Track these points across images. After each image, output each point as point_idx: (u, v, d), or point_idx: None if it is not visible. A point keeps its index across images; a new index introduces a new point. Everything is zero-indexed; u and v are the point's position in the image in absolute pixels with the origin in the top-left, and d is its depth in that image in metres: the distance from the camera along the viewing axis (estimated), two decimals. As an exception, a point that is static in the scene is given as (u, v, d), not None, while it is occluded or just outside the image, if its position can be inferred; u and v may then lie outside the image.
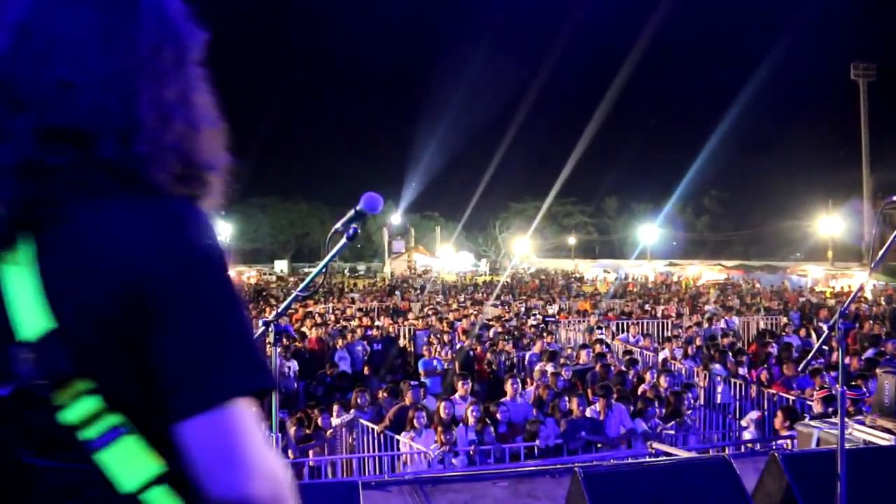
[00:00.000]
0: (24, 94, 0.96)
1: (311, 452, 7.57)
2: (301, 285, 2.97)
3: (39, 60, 0.97)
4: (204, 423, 0.94)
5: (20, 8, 0.99)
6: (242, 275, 43.41)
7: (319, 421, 8.09)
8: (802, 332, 14.49)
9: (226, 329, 0.98)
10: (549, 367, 9.89)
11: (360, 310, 19.61)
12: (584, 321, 17.31)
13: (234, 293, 1.00)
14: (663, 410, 8.40)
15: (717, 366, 10.70)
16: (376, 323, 16.13)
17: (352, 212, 2.57)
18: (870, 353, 10.94)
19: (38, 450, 0.98)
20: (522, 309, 19.92)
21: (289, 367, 10.64)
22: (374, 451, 7.83)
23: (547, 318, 17.27)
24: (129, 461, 0.97)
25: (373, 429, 7.96)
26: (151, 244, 0.95)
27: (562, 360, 10.88)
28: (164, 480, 0.98)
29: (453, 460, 7.11)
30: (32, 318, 0.95)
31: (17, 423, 0.98)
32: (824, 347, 9.54)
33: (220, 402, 0.94)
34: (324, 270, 2.87)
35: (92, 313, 0.95)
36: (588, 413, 7.80)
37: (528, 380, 10.21)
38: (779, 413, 7.50)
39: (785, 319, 17.26)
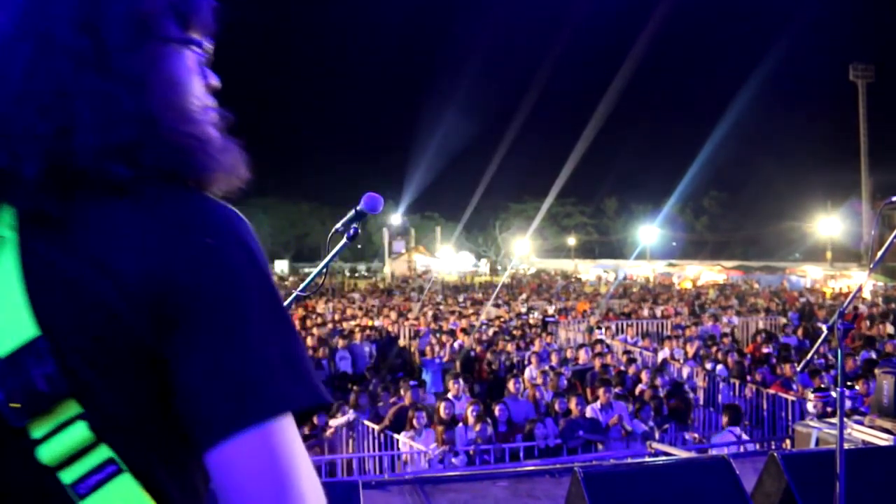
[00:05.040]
0: None
1: (310, 452, 7.55)
2: (301, 285, 2.96)
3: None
4: (247, 442, 0.74)
5: None
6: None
7: (317, 420, 8.09)
8: (801, 333, 14.49)
9: (278, 338, 0.80)
10: (535, 361, 9.93)
11: (360, 308, 19.59)
12: (583, 321, 17.31)
13: (277, 298, 0.83)
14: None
15: (718, 366, 10.71)
16: (375, 323, 16.13)
17: (352, 212, 2.57)
18: (864, 354, 10.94)
19: None
20: (524, 309, 19.90)
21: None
22: (374, 450, 7.84)
23: (547, 319, 17.25)
24: None
25: (373, 428, 7.97)
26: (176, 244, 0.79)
27: (561, 359, 10.89)
28: None
29: (453, 460, 7.12)
30: (11, 324, 0.73)
31: None
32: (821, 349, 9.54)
33: (267, 417, 0.75)
34: (324, 271, 2.86)
35: (95, 318, 0.75)
36: (588, 413, 7.80)
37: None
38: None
39: (784, 320, 17.27)
